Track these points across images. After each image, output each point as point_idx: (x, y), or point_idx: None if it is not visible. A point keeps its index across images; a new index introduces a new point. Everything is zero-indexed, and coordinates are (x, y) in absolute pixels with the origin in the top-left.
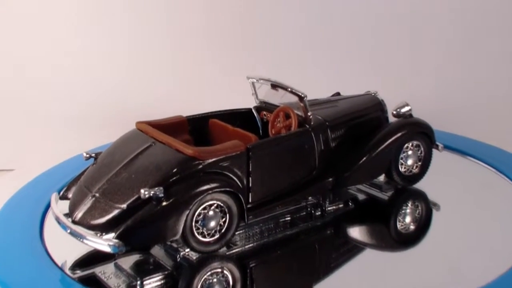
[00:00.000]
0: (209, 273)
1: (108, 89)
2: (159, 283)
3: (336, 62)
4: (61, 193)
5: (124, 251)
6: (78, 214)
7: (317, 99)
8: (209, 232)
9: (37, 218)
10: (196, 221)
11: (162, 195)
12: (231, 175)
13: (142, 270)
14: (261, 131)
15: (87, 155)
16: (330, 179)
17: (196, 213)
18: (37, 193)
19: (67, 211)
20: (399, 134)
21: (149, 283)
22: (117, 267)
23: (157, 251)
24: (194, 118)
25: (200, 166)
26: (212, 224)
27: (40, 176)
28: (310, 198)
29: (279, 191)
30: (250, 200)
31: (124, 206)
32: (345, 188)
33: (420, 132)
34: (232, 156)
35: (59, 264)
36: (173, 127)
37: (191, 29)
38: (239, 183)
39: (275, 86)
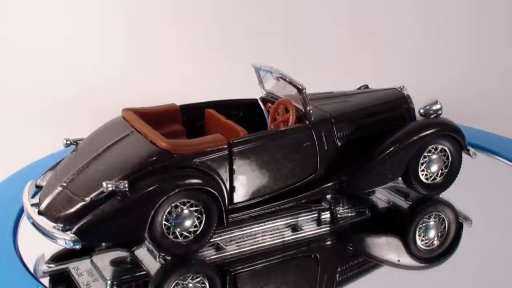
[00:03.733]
0: (182, 277)
1: (102, 78)
2: (129, 284)
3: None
4: (38, 181)
5: (79, 247)
6: (44, 205)
7: (332, 92)
8: (181, 233)
9: (11, 220)
10: (167, 220)
11: (127, 189)
12: (209, 172)
13: (117, 269)
14: (268, 125)
15: (67, 142)
16: (333, 183)
17: (166, 212)
18: (12, 192)
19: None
20: (416, 137)
21: (120, 284)
22: (93, 264)
23: (140, 249)
24: (189, 107)
25: (173, 160)
26: (186, 224)
27: (16, 174)
28: (321, 202)
29: (269, 193)
30: (233, 201)
31: (87, 199)
32: (364, 193)
33: (447, 135)
34: (210, 151)
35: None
36: (164, 116)
37: (192, 14)
38: (219, 181)
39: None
